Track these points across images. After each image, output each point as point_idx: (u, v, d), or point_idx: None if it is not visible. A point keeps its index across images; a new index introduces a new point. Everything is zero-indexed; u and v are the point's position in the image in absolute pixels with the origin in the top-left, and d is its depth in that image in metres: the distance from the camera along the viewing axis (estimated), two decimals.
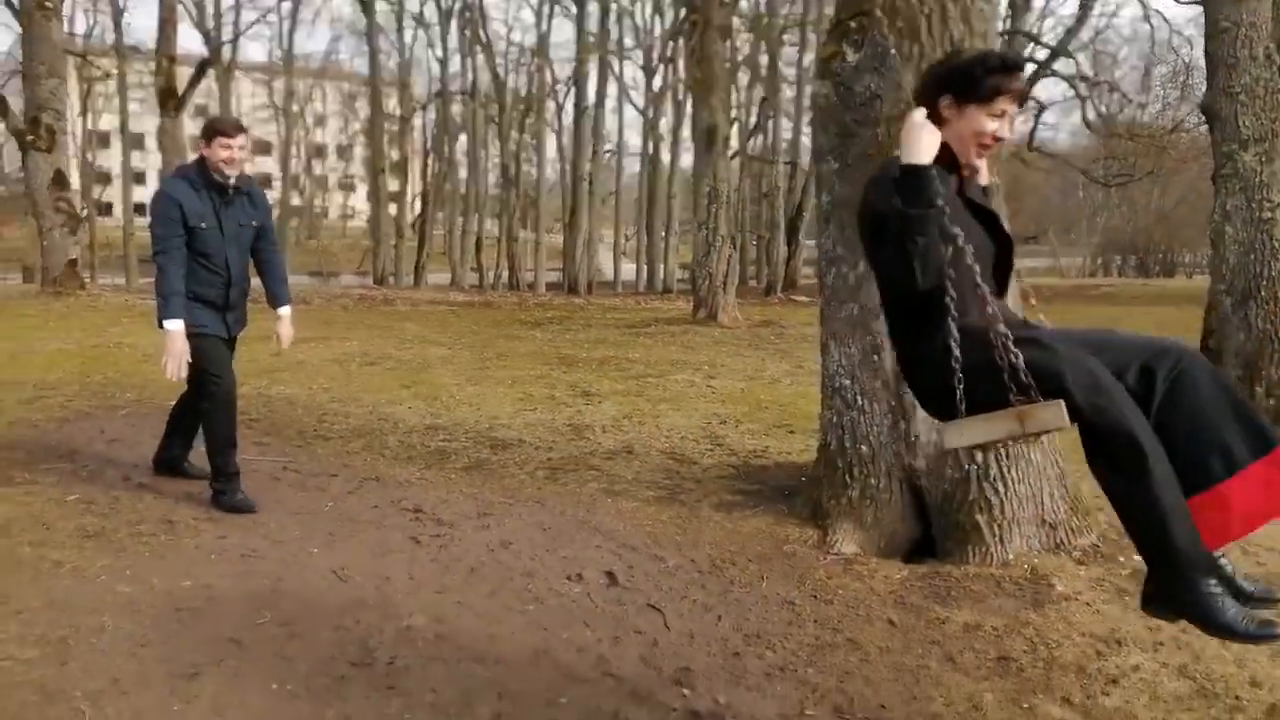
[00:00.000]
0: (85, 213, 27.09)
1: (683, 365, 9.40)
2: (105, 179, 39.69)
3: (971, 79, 2.30)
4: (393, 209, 32.41)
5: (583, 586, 3.72)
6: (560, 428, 6.28)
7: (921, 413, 4.18)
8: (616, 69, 28.50)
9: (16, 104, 15.83)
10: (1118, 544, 3.96)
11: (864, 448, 4.29)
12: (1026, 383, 2.15)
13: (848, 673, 3.09)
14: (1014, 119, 2.40)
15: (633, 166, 35.59)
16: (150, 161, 43.82)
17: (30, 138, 14.54)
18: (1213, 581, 2.13)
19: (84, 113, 33.91)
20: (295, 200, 42.21)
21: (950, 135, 2.31)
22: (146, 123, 38.54)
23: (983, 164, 2.39)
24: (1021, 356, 2.16)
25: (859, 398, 4.31)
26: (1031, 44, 21.79)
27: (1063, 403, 2.12)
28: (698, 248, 13.71)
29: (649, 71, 31.61)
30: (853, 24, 4.26)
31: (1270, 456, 2.16)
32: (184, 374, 4.25)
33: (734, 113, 24.76)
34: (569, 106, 33.55)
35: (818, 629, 3.41)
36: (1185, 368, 2.22)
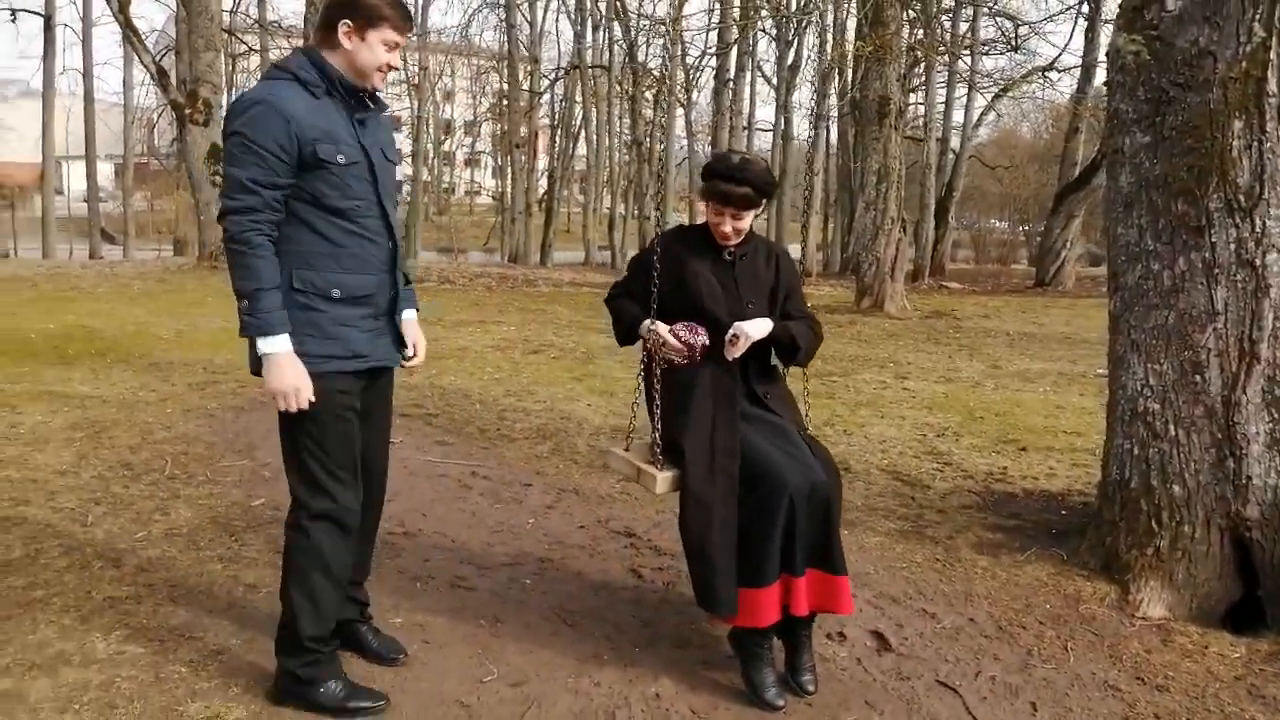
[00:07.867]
0: None
1: (865, 362, 8.64)
2: None
3: None
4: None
5: (849, 649, 3.11)
6: None
7: (1256, 449, 3.41)
8: (749, 41, 27.26)
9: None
10: None
11: (1176, 488, 3.52)
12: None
13: None
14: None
15: (764, 143, 34.38)
16: None
17: (189, 111, 14.73)
18: None
19: (229, 88, 34.78)
20: (425, 176, 42.64)
21: None
22: None
23: None
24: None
25: (1171, 426, 3.54)
26: None
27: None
28: (864, 230, 12.81)
29: (783, 42, 30.37)
30: None
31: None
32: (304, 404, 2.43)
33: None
34: (700, 81, 32.64)
35: None
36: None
